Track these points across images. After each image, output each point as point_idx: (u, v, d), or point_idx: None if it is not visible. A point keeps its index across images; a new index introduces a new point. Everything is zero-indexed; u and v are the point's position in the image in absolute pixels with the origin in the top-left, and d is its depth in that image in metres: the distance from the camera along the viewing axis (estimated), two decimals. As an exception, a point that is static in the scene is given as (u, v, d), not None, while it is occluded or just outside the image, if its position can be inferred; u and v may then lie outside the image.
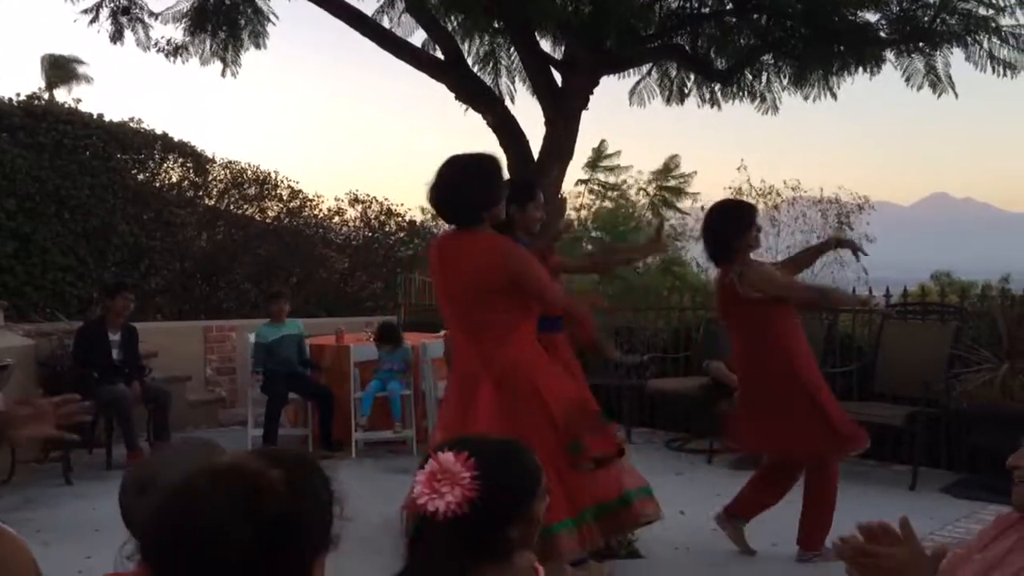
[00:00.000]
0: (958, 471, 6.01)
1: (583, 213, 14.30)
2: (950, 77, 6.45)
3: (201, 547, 1.10)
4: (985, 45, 6.13)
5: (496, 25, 6.98)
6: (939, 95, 6.60)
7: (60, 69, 25.86)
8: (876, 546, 1.59)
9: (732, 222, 4.26)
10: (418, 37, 7.31)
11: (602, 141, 14.42)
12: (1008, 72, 6.18)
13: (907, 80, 6.48)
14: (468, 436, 1.83)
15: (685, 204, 14.92)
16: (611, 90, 7.86)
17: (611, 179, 14.80)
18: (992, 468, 5.37)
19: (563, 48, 6.97)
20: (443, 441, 3.17)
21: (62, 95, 22.38)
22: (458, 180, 3.44)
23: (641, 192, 15.13)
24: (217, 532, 1.10)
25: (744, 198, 13.11)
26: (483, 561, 1.66)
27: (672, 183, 14.88)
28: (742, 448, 4.75)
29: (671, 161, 14.95)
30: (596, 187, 14.83)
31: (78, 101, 11.00)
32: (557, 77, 6.77)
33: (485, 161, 3.50)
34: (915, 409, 5.82)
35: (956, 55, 6.36)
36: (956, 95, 6.48)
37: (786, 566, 4.23)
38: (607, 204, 14.69)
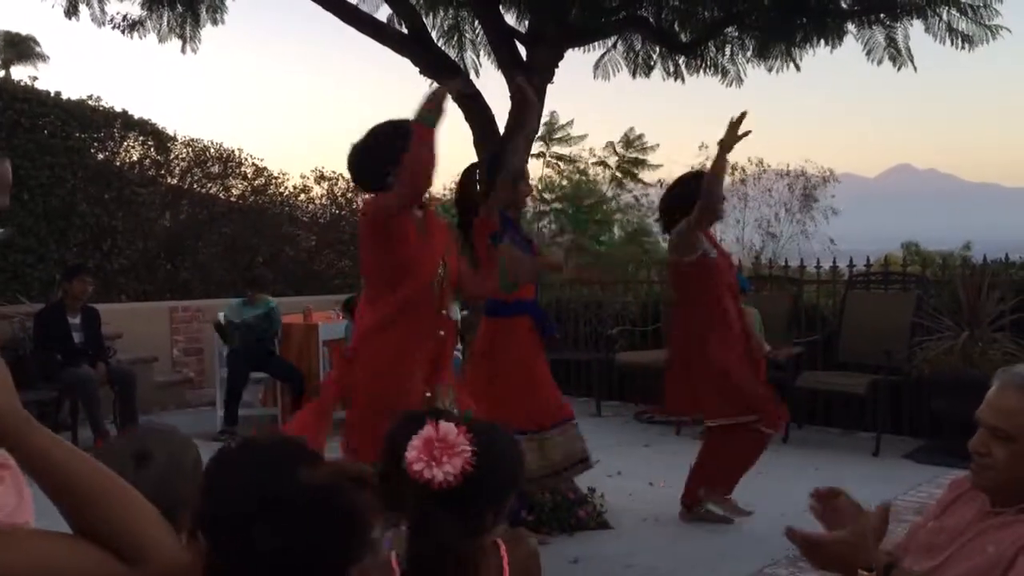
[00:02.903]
0: (920, 437, 6.13)
1: (541, 185, 14.26)
2: (909, 50, 6.51)
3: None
4: (944, 17, 6.18)
5: (460, -2, 6.93)
6: (899, 68, 6.67)
7: (16, 47, 25.30)
8: (821, 536, 1.70)
9: (694, 191, 4.32)
10: (383, 12, 7.23)
11: (552, 113, 14.34)
12: (966, 45, 6.24)
13: (868, 54, 6.53)
14: (444, 409, 1.81)
15: (649, 177, 14.98)
16: (577, 64, 7.83)
17: (566, 151, 14.79)
18: (953, 434, 5.48)
19: (528, 21, 6.92)
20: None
21: (18, 73, 21.93)
22: (365, 143, 3.31)
23: (602, 165, 15.14)
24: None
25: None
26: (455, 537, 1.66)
27: (634, 154, 14.88)
28: (667, 411, 4.90)
29: (630, 132, 14.96)
30: (552, 160, 14.81)
31: (34, 79, 10.77)
32: (522, 51, 6.73)
33: (390, 124, 3.29)
34: (878, 377, 5.93)
35: (916, 28, 6.42)
36: (915, 68, 6.54)
37: (752, 533, 4.29)
38: (566, 178, 14.69)
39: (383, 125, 3.32)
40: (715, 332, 4.25)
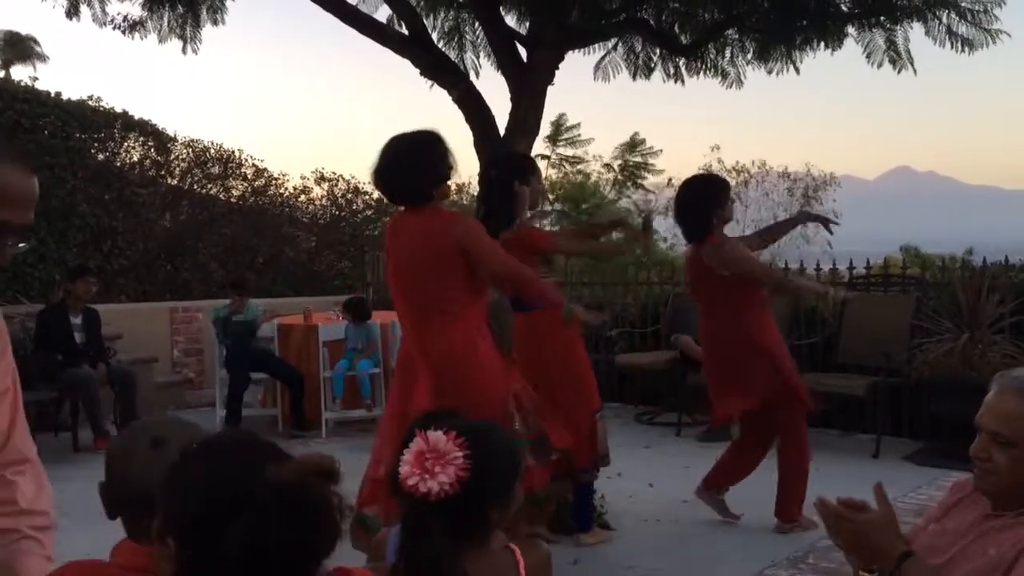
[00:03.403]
0: (919, 439, 6.13)
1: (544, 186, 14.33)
2: (909, 53, 6.53)
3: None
4: (944, 20, 6.20)
5: None
6: (899, 71, 6.68)
7: (16, 47, 25.32)
8: (852, 512, 1.66)
9: (712, 192, 4.34)
10: (382, 13, 7.25)
11: (561, 115, 14.41)
12: (966, 48, 6.25)
13: (868, 56, 6.54)
14: (444, 413, 1.79)
15: (650, 182, 15.03)
16: (577, 65, 7.84)
17: (571, 152, 14.84)
18: (953, 436, 5.48)
19: (528, 23, 6.93)
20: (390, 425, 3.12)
21: (18, 73, 21.92)
22: (401, 159, 3.32)
23: (606, 167, 15.21)
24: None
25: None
26: (463, 544, 1.64)
27: (637, 159, 14.94)
28: (716, 421, 4.82)
29: (635, 136, 15.04)
30: (558, 161, 14.87)
31: (34, 79, 10.77)
32: (522, 52, 6.74)
33: (427, 137, 3.36)
34: (878, 379, 5.93)
35: (916, 31, 6.43)
36: (915, 71, 6.55)
37: (753, 535, 4.29)
38: (571, 178, 14.75)
39: (420, 138, 3.36)
40: (766, 328, 4.23)
